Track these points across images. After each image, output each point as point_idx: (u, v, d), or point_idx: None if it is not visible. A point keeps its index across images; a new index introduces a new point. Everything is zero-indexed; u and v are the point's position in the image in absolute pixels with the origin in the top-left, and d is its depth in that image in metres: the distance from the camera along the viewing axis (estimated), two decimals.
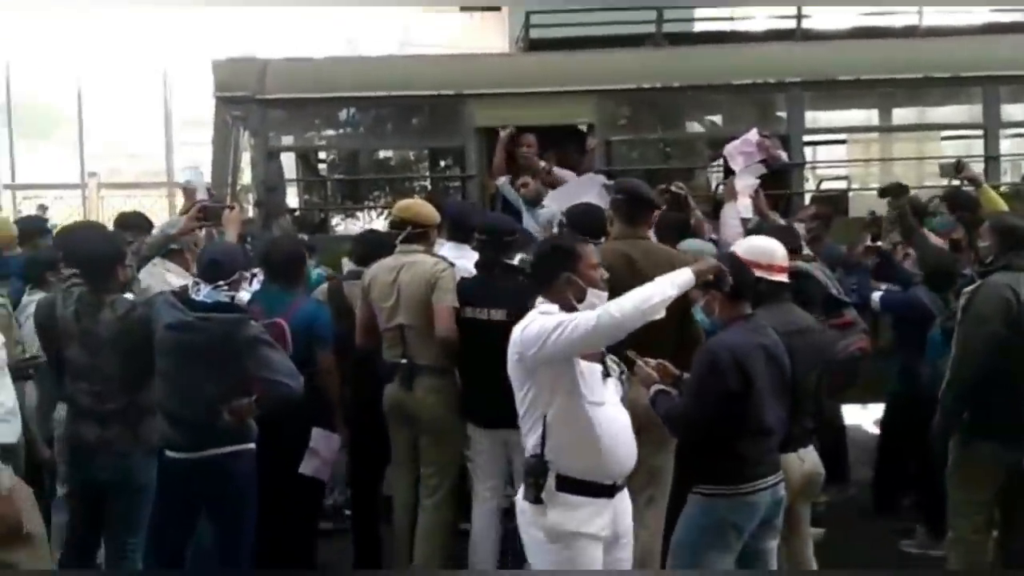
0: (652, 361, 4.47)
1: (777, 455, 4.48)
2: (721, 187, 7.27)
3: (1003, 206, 6.84)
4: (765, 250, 4.86)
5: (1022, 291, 5.09)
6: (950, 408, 5.18)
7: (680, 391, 4.41)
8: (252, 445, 4.95)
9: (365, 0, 18.05)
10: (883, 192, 7.25)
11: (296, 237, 7.07)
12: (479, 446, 5.69)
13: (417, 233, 5.89)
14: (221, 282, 4.86)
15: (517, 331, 4.05)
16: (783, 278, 4.87)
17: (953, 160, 7.46)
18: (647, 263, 5.00)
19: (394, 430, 5.86)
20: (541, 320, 3.98)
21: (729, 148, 7.71)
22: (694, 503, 4.40)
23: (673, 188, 6.92)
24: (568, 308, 4.07)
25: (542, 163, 7.78)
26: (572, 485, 4.02)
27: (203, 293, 4.85)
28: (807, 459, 4.90)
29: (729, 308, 4.45)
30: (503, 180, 7.79)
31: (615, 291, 4.56)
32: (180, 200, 8.31)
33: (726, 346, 4.33)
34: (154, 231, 5.96)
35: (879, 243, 7.28)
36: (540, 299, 4.17)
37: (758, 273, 4.67)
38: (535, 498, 4.02)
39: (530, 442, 4.08)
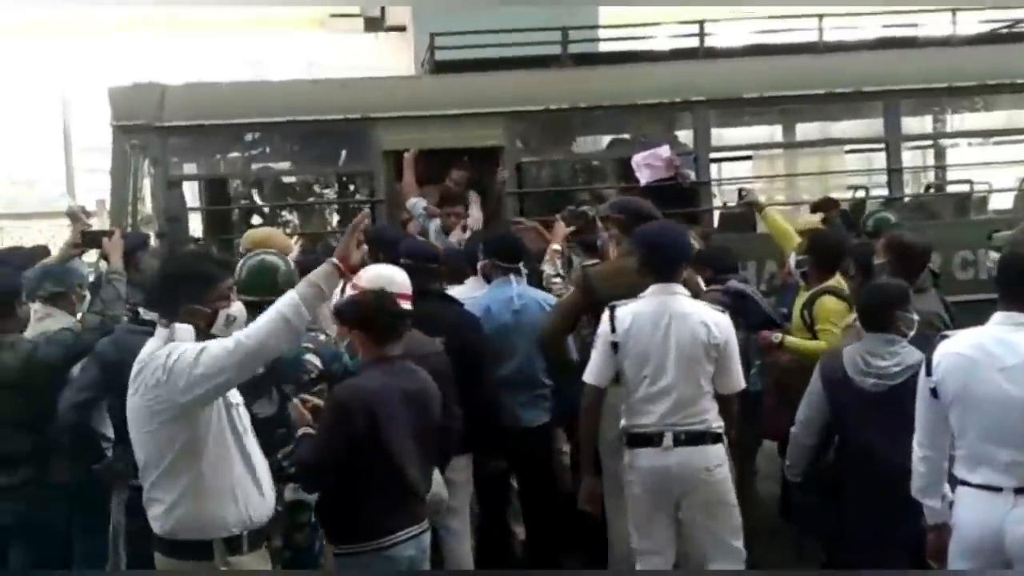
0: (311, 400, 4.31)
1: (420, 503, 4.24)
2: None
3: (786, 229, 6.92)
4: (388, 278, 4.43)
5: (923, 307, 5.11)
6: None
7: None
8: None
9: (268, 19, 17.86)
10: (815, 207, 7.33)
11: None
12: None
13: None
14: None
15: None
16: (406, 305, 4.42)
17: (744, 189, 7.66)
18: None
19: None
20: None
21: (637, 159, 7.77)
22: (338, 564, 4.23)
23: (584, 209, 6.93)
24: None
25: (473, 194, 7.78)
26: None
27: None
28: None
29: (371, 348, 4.22)
30: (413, 201, 7.71)
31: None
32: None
33: (356, 390, 4.13)
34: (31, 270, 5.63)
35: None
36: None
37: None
38: None
39: None
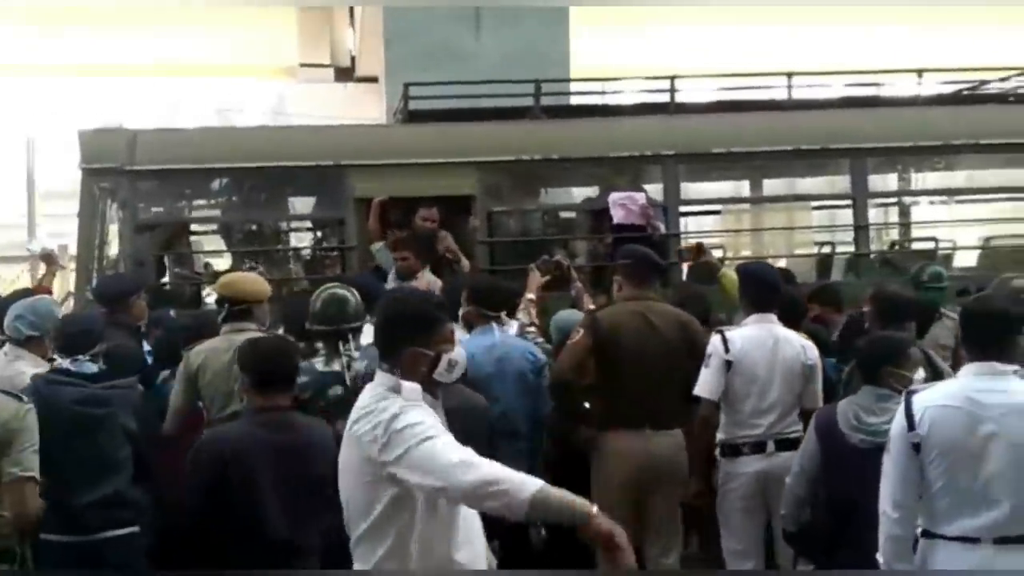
0: None
1: (292, 557, 4.18)
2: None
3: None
4: None
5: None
6: None
7: None
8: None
9: (238, 66, 17.88)
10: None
11: None
12: None
13: (240, 310, 5.59)
14: (84, 355, 4.74)
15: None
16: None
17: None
18: (661, 321, 5.62)
19: None
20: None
21: (613, 197, 7.88)
22: None
23: (557, 259, 6.97)
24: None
25: (442, 233, 7.75)
26: None
27: (82, 366, 4.69)
28: None
29: (252, 396, 4.27)
30: (379, 245, 7.71)
31: (631, 344, 5.40)
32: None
33: (218, 440, 4.23)
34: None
35: None
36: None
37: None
38: None
39: None
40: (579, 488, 5.31)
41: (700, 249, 7.65)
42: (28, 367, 5.07)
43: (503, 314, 6.04)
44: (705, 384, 5.53)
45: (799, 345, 5.60)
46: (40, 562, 4.44)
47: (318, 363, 5.18)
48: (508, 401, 5.73)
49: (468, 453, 3.22)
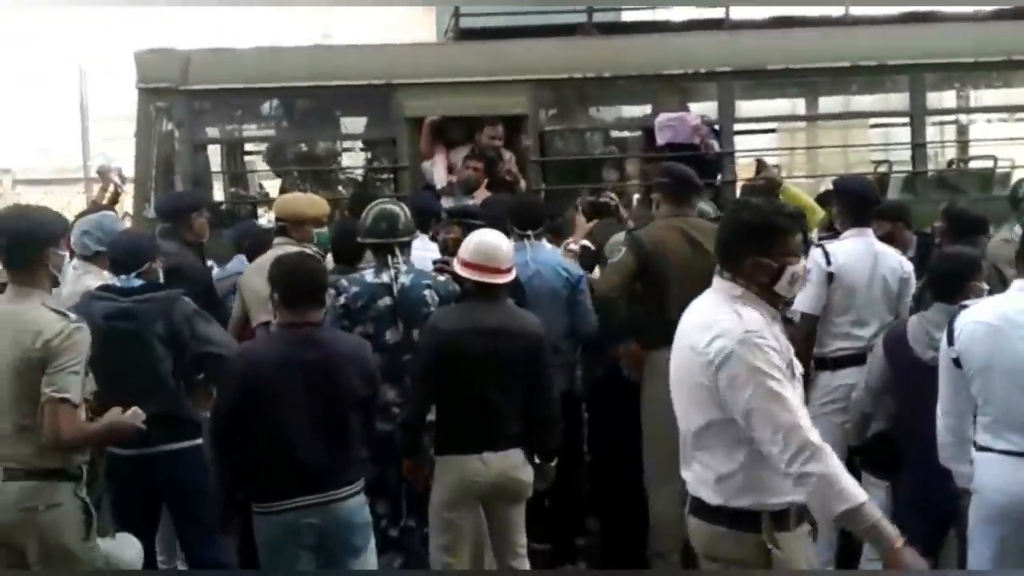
0: None
1: (317, 473, 4.18)
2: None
3: (809, 203, 6.81)
4: (492, 249, 4.76)
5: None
6: None
7: None
8: (200, 441, 4.75)
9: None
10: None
11: None
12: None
13: (281, 227, 5.89)
14: (133, 273, 4.80)
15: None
16: (496, 280, 4.72)
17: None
18: (702, 236, 5.35)
19: None
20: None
21: (661, 119, 7.79)
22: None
23: (603, 199, 7.00)
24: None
25: (507, 154, 7.75)
26: None
27: (128, 282, 4.77)
28: (494, 464, 4.66)
29: (281, 312, 4.29)
30: (428, 164, 7.74)
31: (675, 261, 5.33)
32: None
33: (240, 356, 4.31)
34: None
35: None
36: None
37: (478, 276, 4.67)
38: None
39: None
40: (622, 405, 5.48)
41: (761, 165, 7.55)
42: (95, 281, 5.12)
43: (533, 232, 6.02)
44: (806, 299, 5.38)
45: (896, 259, 5.63)
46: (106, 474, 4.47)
47: (368, 275, 5.28)
48: (542, 318, 5.75)
49: (814, 433, 3.17)
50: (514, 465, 4.70)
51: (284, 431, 4.15)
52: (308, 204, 6.15)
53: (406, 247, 5.38)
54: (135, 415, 4.08)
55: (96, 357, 4.10)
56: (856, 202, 5.75)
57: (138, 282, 4.79)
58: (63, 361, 3.84)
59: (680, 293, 5.39)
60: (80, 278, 5.31)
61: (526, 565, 4.85)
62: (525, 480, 4.77)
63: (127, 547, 4.26)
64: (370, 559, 4.39)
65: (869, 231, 5.68)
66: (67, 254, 4.40)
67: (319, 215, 6.05)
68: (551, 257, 6.04)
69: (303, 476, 4.16)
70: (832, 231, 6.24)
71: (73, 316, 3.97)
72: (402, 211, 5.44)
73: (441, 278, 5.31)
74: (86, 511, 3.97)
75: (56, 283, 4.18)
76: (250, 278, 5.63)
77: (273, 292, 4.27)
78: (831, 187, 7.27)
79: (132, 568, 4.23)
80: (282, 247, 5.56)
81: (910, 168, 8.48)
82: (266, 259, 5.44)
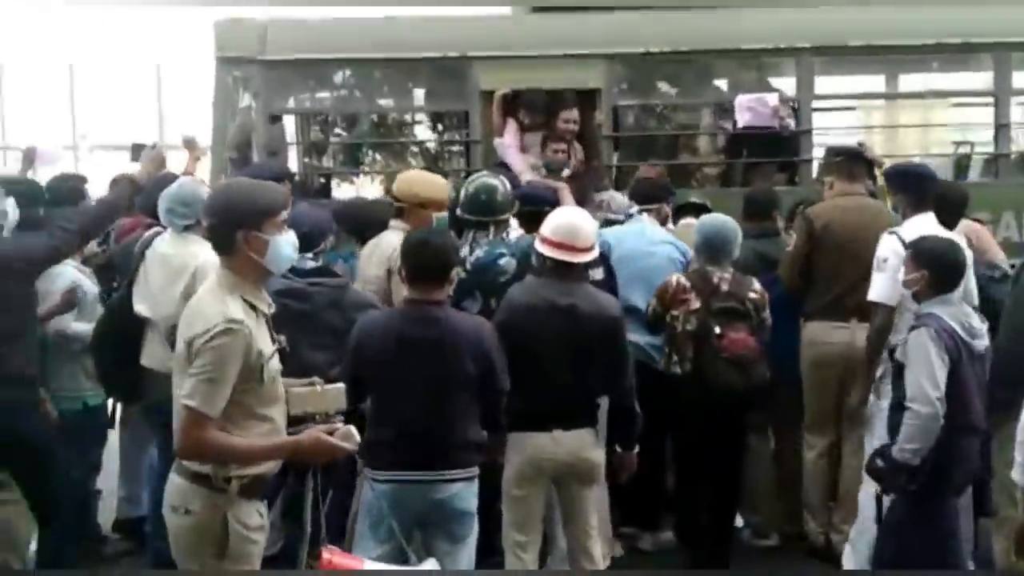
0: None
1: (421, 451, 4.18)
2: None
3: None
4: (573, 228, 4.70)
5: None
6: None
7: None
8: None
9: None
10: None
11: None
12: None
13: (399, 208, 5.72)
14: (310, 253, 4.80)
15: None
16: (576, 258, 4.66)
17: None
18: (861, 215, 5.81)
19: None
20: None
21: (741, 100, 7.73)
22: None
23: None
24: None
25: (579, 144, 7.67)
26: None
27: (303, 262, 4.73)
28: (565, 442, 4.63)
29: (409, 290, 4.33)
30: (500, 141, 7.66)
31: (836, 240, 5.67)
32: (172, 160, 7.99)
33: (357, 328, 4.34)
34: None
35: None
36: None
37: (557, 255, 4.62)
38: None
39: None
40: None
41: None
42: (201, 248, 4.61)
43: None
44: (884, 290, 5.30)
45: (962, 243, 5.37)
46: None
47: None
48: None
49: None
50: (585, 445, 4.68)
51: (394, 405, 4.20)
52: (432, 187, 5.79)
53: (502, 225, 5.33)
54: (348, 436, 3.52)
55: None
56: (920, 185, 5.63)
57: (312, 264, 4.83)
58: (196, 364, 3.33)
59: (844, 271, 5.77)
60: (187, 247, 5.00)
61: (597, 547, 4.83)
62: (596, 461, 4.76)
63: None
64: (466, 551, 4.31)
65: (932, 215, 5.52)
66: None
67: (443, 200, 5.72)
68: (669, 235, 6.27)
69: (407, 452, 4.18)
70: None
71: (225, 325, 3.35)
72: (501, 185, 5.40)
73: (515, 235, 5.29)
74: None
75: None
76: (364, 267, 5.62)
77: (400, 268, 4.34)
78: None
79: None
80: (396, 232, 5.47)
81: (992, 149, 8.29)
82: (382, 246, 5.51)
